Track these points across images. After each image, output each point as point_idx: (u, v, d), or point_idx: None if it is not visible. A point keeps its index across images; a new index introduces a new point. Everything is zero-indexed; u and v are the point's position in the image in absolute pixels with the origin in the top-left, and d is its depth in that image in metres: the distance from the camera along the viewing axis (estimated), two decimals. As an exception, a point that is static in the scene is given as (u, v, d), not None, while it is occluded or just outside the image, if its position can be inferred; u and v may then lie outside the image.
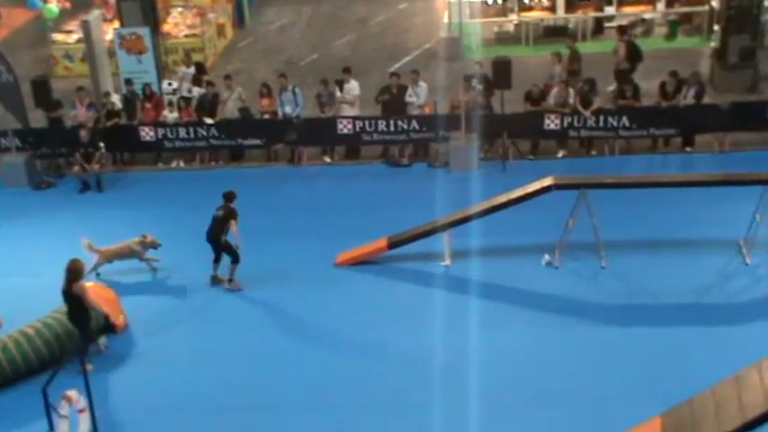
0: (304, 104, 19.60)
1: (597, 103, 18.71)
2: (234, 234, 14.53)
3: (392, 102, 19.25)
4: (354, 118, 19.11)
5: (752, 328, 13.18)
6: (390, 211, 16.92)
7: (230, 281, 14.86)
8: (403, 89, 19.27)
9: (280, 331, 13.89)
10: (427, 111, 19.37)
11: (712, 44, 22.29)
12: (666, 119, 18.65)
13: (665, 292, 14.14)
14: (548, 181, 14.92)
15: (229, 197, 14.63)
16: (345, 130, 19.10)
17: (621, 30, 22.13)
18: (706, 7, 24.50)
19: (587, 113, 18.52)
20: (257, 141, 19.62)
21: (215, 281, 14.99)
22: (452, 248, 15.33)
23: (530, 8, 25.17)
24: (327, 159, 19.67)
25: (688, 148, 18.94)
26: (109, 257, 15.39)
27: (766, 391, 9.19)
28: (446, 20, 24.59)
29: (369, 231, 15.84)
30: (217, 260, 14.88)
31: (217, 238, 14.62)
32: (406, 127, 18.94)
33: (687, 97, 18.64)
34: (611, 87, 20.08)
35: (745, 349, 12.04)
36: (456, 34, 22.21)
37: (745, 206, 14.87)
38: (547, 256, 14.99)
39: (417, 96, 19.30)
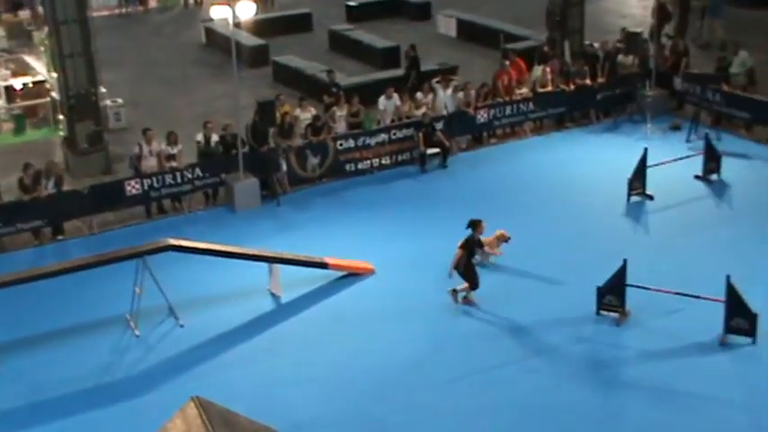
0: None
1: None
2: None
3: None
4: None
5: (150, 396, 13.83)
6: None
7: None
8: None
9: None
10: None
11: (61, 133, 22.71)
12: (32, 211, 18.59)
13: (64, 383, 14.15)
14: None
15: None
16: None
17: None
18: (48, 99, 24.88)
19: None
20: None
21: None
22: None
23: None
24: None
25: (60, 237, 19.09)
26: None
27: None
28: None
29: None
30: None
31: None
32: None
33: (48, 187, 18.81)
34: None
35: (149, 417, 12.56)
36: None
37: (125, 281, 15.48)
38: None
39: None
